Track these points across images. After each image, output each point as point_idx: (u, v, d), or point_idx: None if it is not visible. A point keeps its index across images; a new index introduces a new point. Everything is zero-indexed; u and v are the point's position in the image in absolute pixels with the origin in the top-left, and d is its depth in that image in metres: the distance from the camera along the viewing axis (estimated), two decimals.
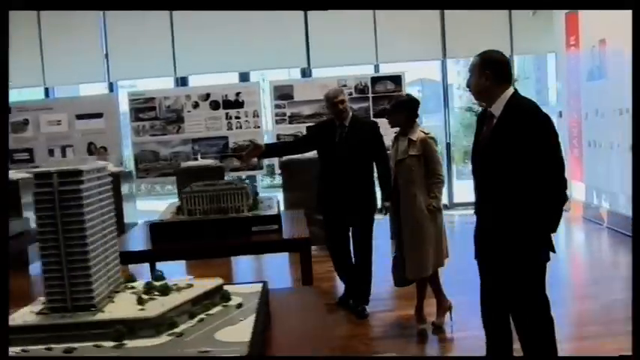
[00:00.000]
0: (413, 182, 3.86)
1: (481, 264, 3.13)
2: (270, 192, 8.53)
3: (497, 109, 2.89)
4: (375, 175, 4.78)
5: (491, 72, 2.86)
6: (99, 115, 8.46)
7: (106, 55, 9.05)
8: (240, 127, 8.52)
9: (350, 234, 4.79)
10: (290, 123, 8.55)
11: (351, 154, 4.61)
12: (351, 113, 4.76)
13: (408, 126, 3.91)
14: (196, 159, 7.79)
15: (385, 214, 4.66)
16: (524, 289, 2.93)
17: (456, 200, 9.40)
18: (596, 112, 7.33)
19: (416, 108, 3.97)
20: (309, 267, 3.75)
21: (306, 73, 9.25)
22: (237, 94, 8.53)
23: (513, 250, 2.88)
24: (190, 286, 2.00)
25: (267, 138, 8.62)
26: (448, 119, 9.50)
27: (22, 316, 1.81)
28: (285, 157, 7.20)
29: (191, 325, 1.81)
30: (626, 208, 6.84)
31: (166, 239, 3.79)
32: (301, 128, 8.51)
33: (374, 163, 4.74)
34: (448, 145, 9.47)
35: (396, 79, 8.50)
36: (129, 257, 3.59)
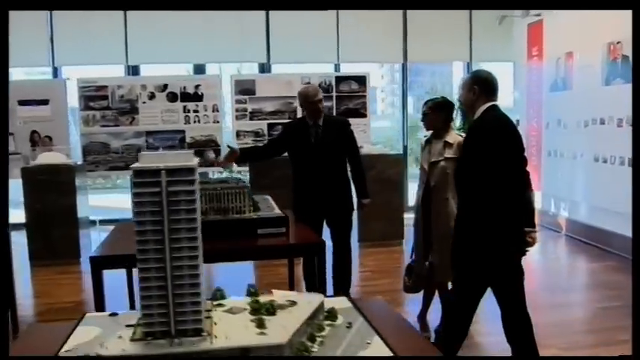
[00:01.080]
0: (447, 185, 3.73)
1: None
2: None
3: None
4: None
5: (478, 87, 3.15)
6: (44, 102, 7.78)
7: (52, 39, 8.37)
8: (199, 122, 8.10)
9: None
10: (251, 119, 8.22)
11: (329, 154, 4.56)
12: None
13: (444, 129, 3.78)
14: None
15: (360, 209, 4.81)
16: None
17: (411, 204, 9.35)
18: (558, 123, 7.50)
19: (452, 110, 3.87)
20: (325, 274, 3.52)
21: (265, 68, 8.95)
22: (197, 86, 8.09)
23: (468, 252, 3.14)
24: (293, 303, 1.74)
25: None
26: (406, 122, 9.48)
27: (114, 343, 1.49)
28: None
29: (315, 350, 1.56)
30: (586, 217, 7.05)
31: None
32: (262, 125, 8.24)
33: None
34: (405, 149, 9.44)
35: (361, 80, 8.36)
36: (106, 262, 3.22)
